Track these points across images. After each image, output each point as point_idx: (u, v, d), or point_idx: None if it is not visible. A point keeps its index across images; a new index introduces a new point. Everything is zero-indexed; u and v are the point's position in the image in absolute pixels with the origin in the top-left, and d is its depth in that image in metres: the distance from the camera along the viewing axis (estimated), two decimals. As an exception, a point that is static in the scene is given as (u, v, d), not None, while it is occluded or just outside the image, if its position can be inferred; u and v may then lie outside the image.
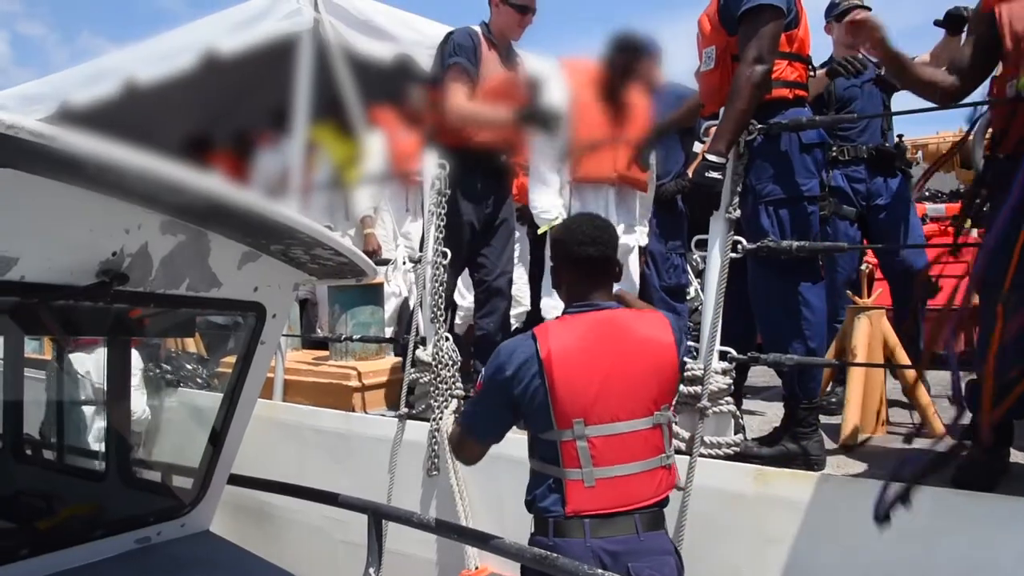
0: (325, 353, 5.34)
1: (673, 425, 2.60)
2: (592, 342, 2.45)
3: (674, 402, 2.56)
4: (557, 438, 2.41)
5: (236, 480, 3.36)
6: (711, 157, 3.29)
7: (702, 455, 3.28)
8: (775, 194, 3.43)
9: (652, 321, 2.58)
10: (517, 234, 5.04)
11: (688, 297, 4.89)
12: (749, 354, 3.35)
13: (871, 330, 3.86)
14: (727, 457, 3.32)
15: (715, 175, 3.28)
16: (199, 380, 5.47)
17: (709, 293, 3.38)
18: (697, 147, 4.61)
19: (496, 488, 3.65)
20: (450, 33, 4.50)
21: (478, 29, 4.51)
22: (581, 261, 2.56)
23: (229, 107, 6.36)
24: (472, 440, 2.66)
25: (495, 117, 4.43)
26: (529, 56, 4.95)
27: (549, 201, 4.60)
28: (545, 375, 2.40)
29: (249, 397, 3.18)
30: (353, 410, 4.70)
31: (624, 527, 2.37)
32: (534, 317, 4.98)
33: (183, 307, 2.83)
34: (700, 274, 3.50)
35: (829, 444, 3.58)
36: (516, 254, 4.98)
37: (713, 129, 3.43)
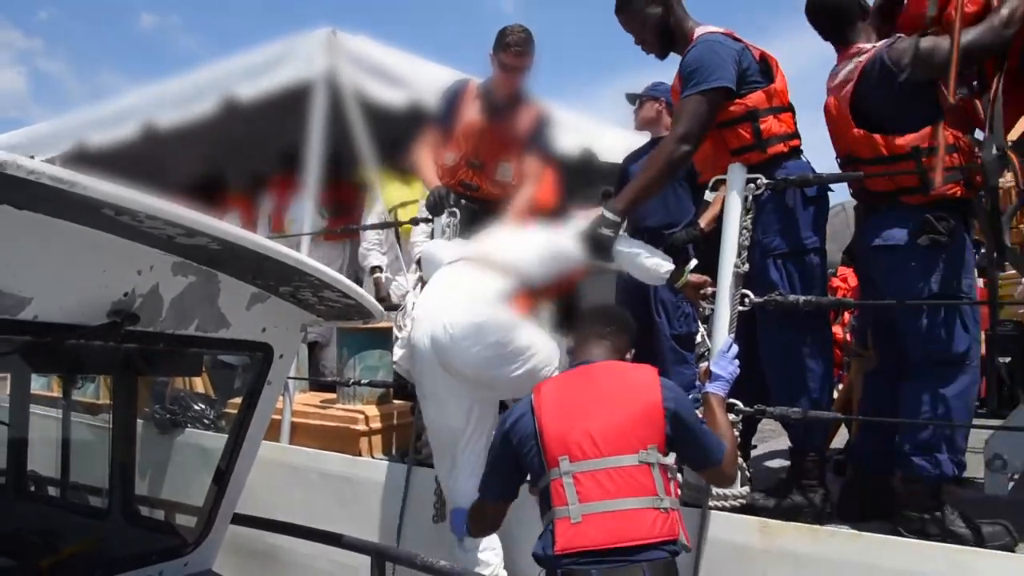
0: (333, 396, 5.33)
1: (670, 471, 2.59)
2: (578, 385, 2.68)
3: (667, 449, 2.57)
4: (548, 480, 2.50)
5: (240, 520, 3.35)
6: (607, 214, 3.36)
7: (709, 507, 3.25)
8: (783, 247, 3.45)
9: (640, 370, 2.75)
10: None
11: (695, 343, 4.87)
12: (756, 407, 3.33)
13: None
14: (733, 509, 3.29)
15: (607, 232, 3.35)
16: (206, 421, 5.46)
17: (717, 347, 3.37)
18: (708, 196, 4.64)
19: (504, 535, 3.60)
20: None
21: (473, 80, 4.61)
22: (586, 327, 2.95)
23: (244, 151, 6.45)
24: (484, 500, 2.85)
25: (424, 178, 4.57)
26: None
27: None
28: (535, 419, 2.58)
29: (255, 437, 3.19)
30: (360, 454, 4.67)
31: None
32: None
33: (192, 347, 2.85)
34: (706, 320, 3.49)
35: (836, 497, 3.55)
36: None
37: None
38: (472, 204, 4.48)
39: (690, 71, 3.39)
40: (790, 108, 3.57)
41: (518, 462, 2.65)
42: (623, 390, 2.61)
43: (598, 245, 3.37)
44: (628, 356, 2.95)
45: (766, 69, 3.52)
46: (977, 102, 3.20)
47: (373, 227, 5.99)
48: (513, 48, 4.37)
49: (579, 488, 2.43)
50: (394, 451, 4.77)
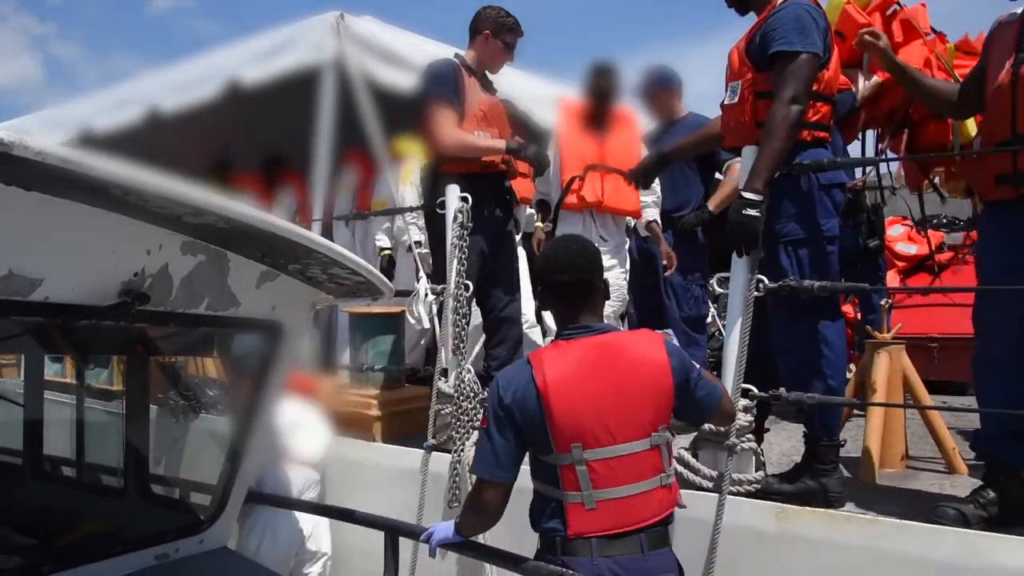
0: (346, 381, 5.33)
1: (672, 444, 2.57)
2: (587, 367, 2.48)
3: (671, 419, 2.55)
4: (556, 462, 2.44)
5: (253, 497, 3.39)
6: (748, 195, 3.22)
7: (725, 492, 3.23)
8: (794, 234, 3.40)
9: (645, 341, 2.60)
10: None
11: (706, 322, 4.86)
12: (771, 392, 3.30)
13: (891, 366, 3.83)
14: (748, 494, 3.27)
15: (753, 212, 3.20)
16: (219, 407, 5.46)
17: (733, 332, 3.33)
18: (719, 177, 4.61)
19: (517, 516, 3.58)
20: (429, 65, 4.59)
21: (455, 60, 4.59)
22: (558, 288, 2.62)
23: (251, 135, 6.44)
24: (487, 485, 2.54)
25: (488, 147, 4.47)
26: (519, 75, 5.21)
27: None
28: (542, 402, 2.42)
29: (266, 414, 3.21)
30: (373, 439, 4.69)
31: (630, 545, 2.39)
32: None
33: (202, 326, 2.86)
34: (716, 299, 3.42)
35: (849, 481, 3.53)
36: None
37: (736, 164, 3.42)
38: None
39: (785, 29, 3.30)
40: (831, 100, 3.50)
41: (520, 433, 2.48)
42: (633, 369, 2.48)
43: (746, 229, 3.23)
44: (604, 286, 2.68)
45: (828, 53, 3.44)
46: None
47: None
48: (517, 28, 4.52)
49: (593, 476, 2.40)
50: (407, 435, 4.75)
